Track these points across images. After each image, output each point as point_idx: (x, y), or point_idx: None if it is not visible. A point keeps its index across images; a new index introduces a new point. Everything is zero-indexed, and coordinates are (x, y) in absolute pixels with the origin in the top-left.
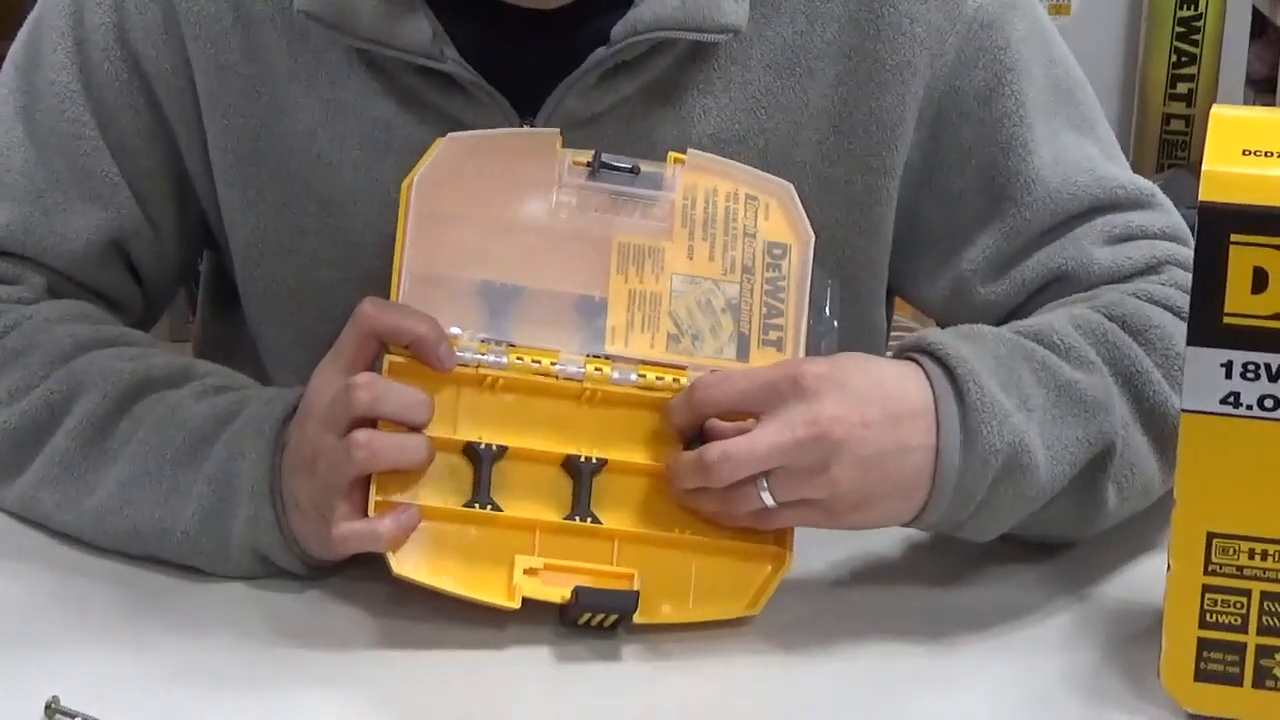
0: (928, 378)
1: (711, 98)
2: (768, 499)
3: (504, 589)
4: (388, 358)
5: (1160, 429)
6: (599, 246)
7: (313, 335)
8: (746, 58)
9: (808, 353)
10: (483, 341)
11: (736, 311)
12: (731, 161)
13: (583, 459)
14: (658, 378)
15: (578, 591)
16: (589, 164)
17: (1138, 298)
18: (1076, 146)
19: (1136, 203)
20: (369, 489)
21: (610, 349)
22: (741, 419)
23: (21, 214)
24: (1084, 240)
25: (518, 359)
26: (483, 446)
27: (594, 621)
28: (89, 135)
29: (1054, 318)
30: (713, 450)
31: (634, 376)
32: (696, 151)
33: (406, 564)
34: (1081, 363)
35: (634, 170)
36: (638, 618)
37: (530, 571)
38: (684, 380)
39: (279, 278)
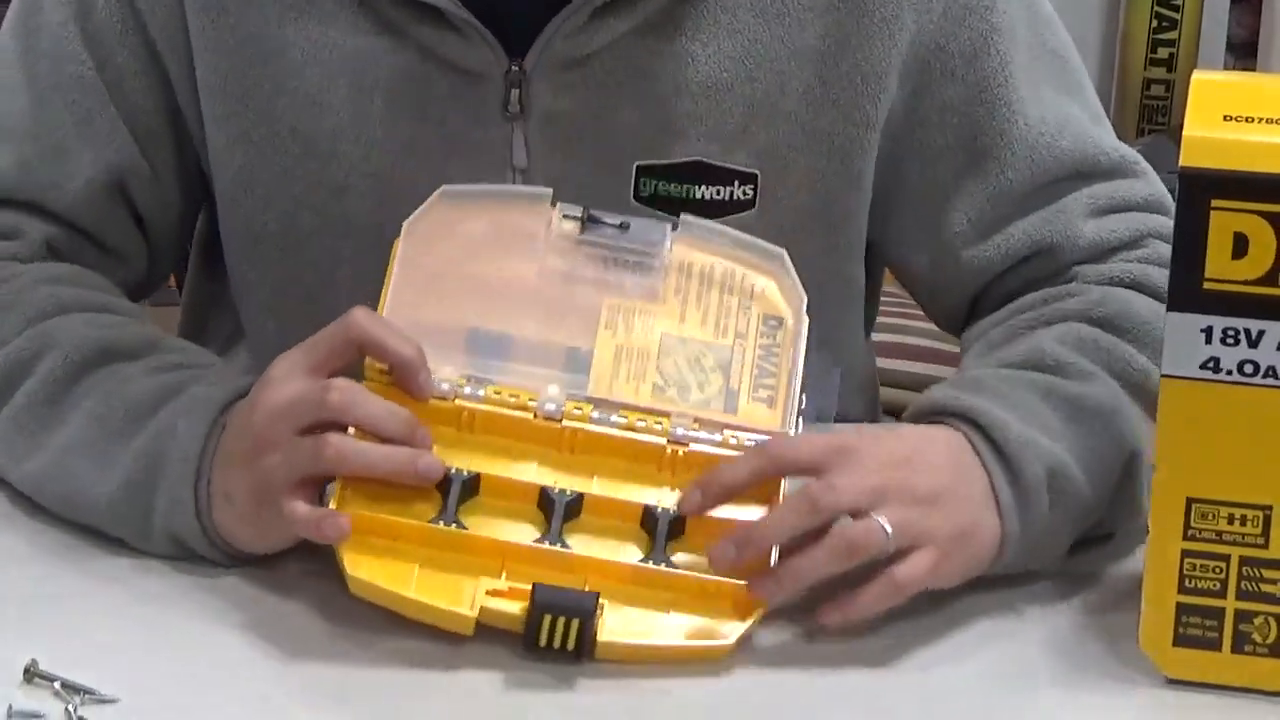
0: (957, 432)
1: (700, 45)
2: (883, 521)
3: (463, 603)
4: (365, 383)
5: None
6: (589, 305)
7: (292, 282)
8: (736, 5)
9: (803, 419)
10: (463, 376)
11: (727, 369)
12: (724, 228)
13: (557, 490)
14: (639, 420)
15: (535, 589)
16: (580, 219)
17: (1121, 284)
18: (1060, 109)
19: (1120, 170)
20: (317, 491)
21: (593, 394)
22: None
23: (21, 157)
24: (1069, 212)
25: (495, 393)
26: (454, 471)
27: (555, 641)
28: (87, 75)
29: (1040, 340)
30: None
31: (615, 417)
32: (690, 218)
33: (362, 572)
34: (1082, 375)
35: (623, 226)
36: (604, 637)
37: (493, 593)
38: (667, 424)
39: (260, 221)
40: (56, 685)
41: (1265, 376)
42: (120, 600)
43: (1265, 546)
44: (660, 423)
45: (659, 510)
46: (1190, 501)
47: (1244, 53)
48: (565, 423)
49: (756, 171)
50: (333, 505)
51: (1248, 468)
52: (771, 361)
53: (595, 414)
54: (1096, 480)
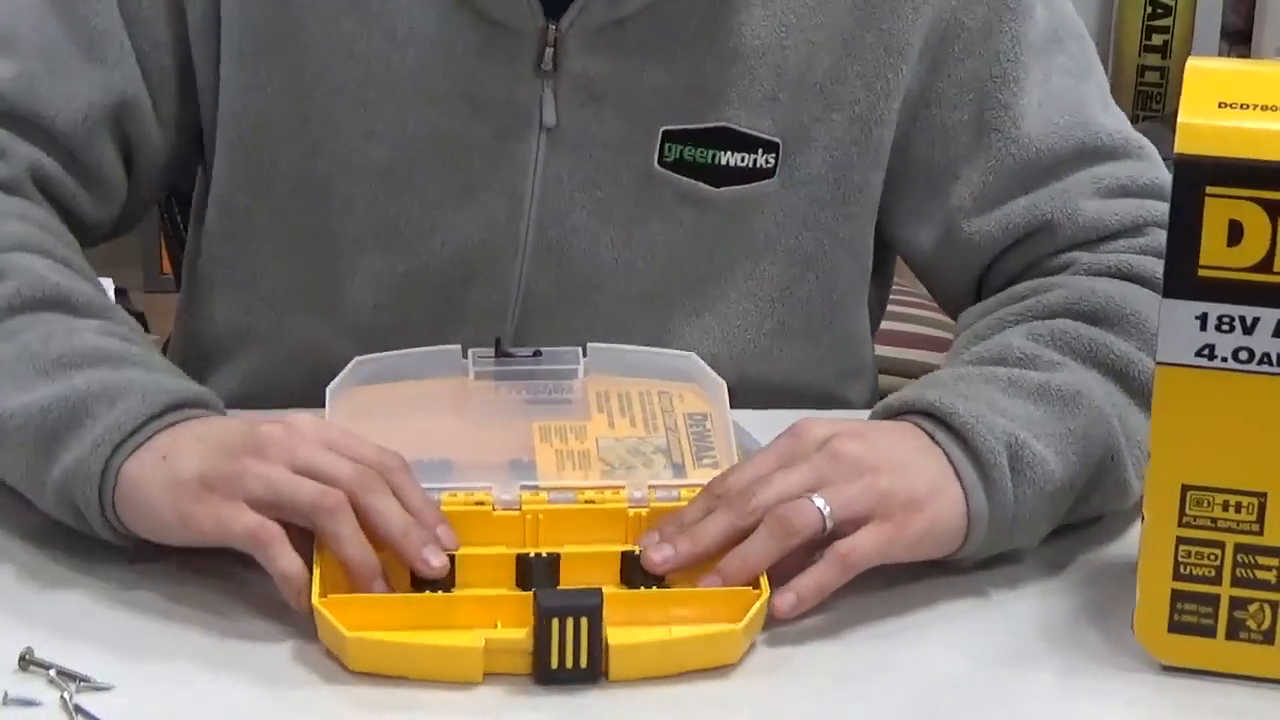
0: (906, 423)
1: (734, 12)
2: (820, 503)
3: (467, 642)
4: None
5: None
6: (520, 428)
7: (303, 228)
8: None
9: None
10: None
11: (667, 451)
12: (630, 347)
13: (533, 555)
14: (596, 494)
15: (538, 596)
16: (492, 355)
17: (1116, 274)
18: (1068, 90)
19: (1125, 152)
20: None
21: (544, 485)
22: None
23: (27, 69)
24: (1071, 191)
25: (450, 497)
26: None
27: (567, 659)
28: (105, 1)
29: (1010, 336)
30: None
31: (572, 496)
32: (596, 345)
33: (361, 633)
34: (1048, 365)
35: (536, 354)
36: (615, 641)
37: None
38: (624, 494)
39: (275, 164)
40: (51, 673)
41: (1260, 363)
42: (115, 588)
43: (1260, 533)
44: (617, 493)
45: (638, 553)
46: (1185, 488)
47: (1238, 40)
48: (525, 508)
49: (778, 140)
50: (314, 595)
51: (1242, 454)
52: (707, 441)
53: (551, 496)
54: (1065, 456)
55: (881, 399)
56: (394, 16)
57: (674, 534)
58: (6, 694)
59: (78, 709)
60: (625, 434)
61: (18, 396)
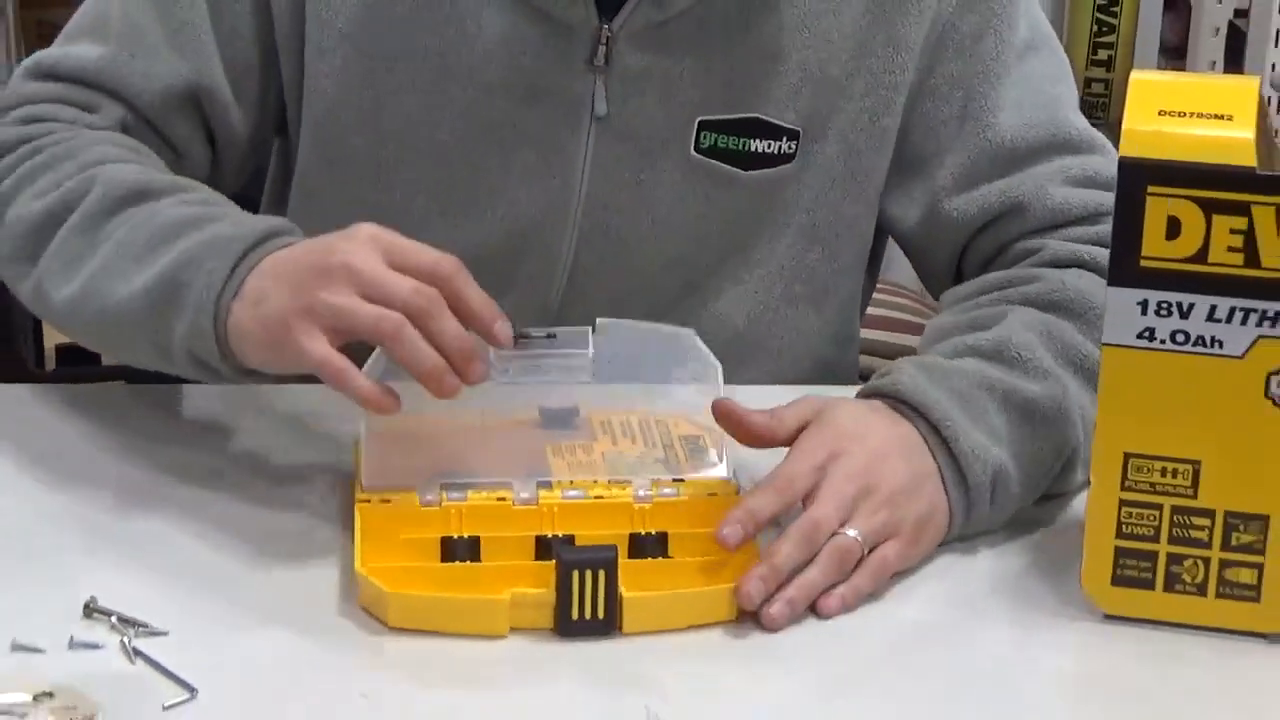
0: (917, 433)
1: (765, 16)
2: (855, 534)
3: (494, 599)
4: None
5: None
6: (535, 447)
7: (366, 204)
8: None
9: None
10: (442, 494)
11: (666, 461)
12: (636, 323)
13: (551, 535)
14: (605, 488)
15: (559, 552)
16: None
17: (1082, 265)
18: (1042, 91)
19: (1090, 148)
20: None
21: (557, 480)
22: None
23: (111, 52)
24: (1042, 177)
25: (475, 493)
26: (455, 538)
27: (586, 610)
28: None
29: (1011, 328)
30: (804, 523)
31: (583, 493)
32: (605, 320)
33: (400, 588)
34: (1038, 373)
35: (551, 337)
36: (629, 593)
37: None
38: (630, 489)
39: (347, 145)
40: (113, 620)
41: (1195, 345)
42: (171, 543)
43: (1194, 497)
44: (624, 489)
45: (644, 534)
46: (1127, 456)
47: (1174, 55)
48: (542, 502)
49: (800, 129)
50: (357, 564)
51: (1179, 426)
52: (700, 454)
53: (565, 494)
54: (1030, 481)
55: (864, 376)
56: (464, 16)
57: (769, 575)
58: (73, 638)
59: (136, 651)
60: (627, 450)
61: (123, 288)
